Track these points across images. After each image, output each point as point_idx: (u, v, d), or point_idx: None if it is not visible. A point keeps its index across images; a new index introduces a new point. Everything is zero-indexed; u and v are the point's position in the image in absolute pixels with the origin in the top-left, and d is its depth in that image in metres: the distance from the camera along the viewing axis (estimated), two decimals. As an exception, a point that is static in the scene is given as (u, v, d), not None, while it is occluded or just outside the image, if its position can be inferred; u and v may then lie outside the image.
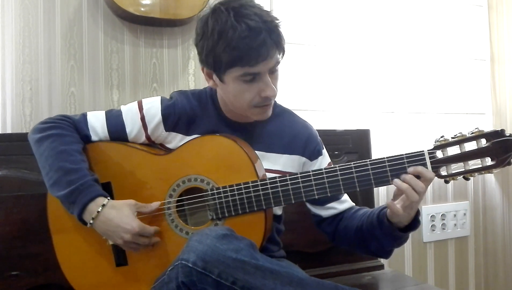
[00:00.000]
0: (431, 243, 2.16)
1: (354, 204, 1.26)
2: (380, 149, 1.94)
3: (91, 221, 1.04)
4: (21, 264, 1.30)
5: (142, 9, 1.55)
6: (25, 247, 1.31)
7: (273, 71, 1.09)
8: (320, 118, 1.95)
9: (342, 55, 2.01)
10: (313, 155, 1.24)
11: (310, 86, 1.95)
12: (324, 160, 1.26)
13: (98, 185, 1.09)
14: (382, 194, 2.02)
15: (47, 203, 1.16)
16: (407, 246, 2.10)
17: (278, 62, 1.08)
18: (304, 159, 1.23)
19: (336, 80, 1.99)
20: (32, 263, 1.31)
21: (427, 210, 2.13)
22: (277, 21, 1.06)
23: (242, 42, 1.00)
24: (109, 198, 1.07)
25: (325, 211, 1.23)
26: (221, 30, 1.02)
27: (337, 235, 1.23)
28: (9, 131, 1.51)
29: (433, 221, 2.14)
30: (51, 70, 1.56)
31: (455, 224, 2.20)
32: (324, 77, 1.97)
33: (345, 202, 1.24)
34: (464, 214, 2.23)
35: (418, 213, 1.09)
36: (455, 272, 2.21)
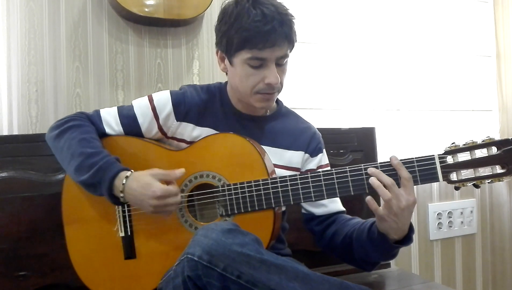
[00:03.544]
0: (438, 241, 2.15)
1: (344, 209, 1.27)
2: (385, 147, 1.94)
3: (121, 195, 1.05)
4: (29, 265, 1.31)
5: (146, 9, 1.56)
6: (32, 248, 1.32)
7: (280, 64, 1.13)
8: (325, 116, 1.94)
9: (347, 53, 2.00)
10: (315, 152, 1.27)
11: (315, 84, 1.94)
12: (323, 158, 1.29)
13: (120, 163, 1.10)
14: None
15: (62, 194, 1.18)
16: (414, 244, 2.09)
17: (286, 55, 1.13)
18: (307, 155, 1.26)
19: (341, 78, 1.99)
20: (40, 263, 1.32)
21: (433, 208, 2.13)
22: (291, 17, 1.12)
23: (253, 25, 1.07)
24: (132, 171, 1.08)
25: (317, 209, 1.25)
26: (237, 14, 1.09)
27: (325, 238, 1.23)
28: (15, 132, 1.52)
29: (439, 219, 2.14)
30: (56, 72, 1.57)
31: (462, 222, 2.19)
32: (329, 75, 1.97)
33: (336, 202, 1.26)
34: (471, 211, 2.22)
35: (412, 230, 1.07)
36: (462, 270, 2.20)
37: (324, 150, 1.30)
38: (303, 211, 1.28)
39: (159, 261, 1.11)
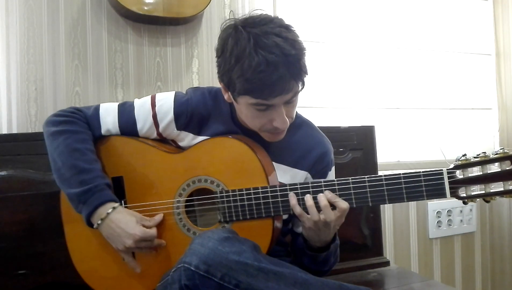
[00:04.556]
0: (437, 239, 2.15)
1: None
2: (385, 146, 1.94)
3: (98, 222, 1.06)
4: (28, 263, 1.31)
5: (145, 8, 1.55)
6: (31, 246, 1.31)
7: (290, 102, 1.04)
8: (324, 115, 1.94)
9: (346, 52, 2.00)
10: (317, 174, 1.20)
11: (315, 83, 1.94)
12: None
13: (110, 189, 1.09)
14: (388, 210, 2.04)
15: (60, 194, 1.17)
16: (413, 242, 2.09)
17: (296, 93, 1.03)
18: (309, 175, 1.20)
19: (341, 76, 1.99)
20: (39, 262, 1.32)
21: (433, 206, 2.13)
22: (300, 52, 1.00)
23: (257, 77, 0.96)
24: (119, 203, 1.08)
25: (299, 228, 1.20)
26: (238, 56, 0.97)
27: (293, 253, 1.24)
28: (14, 131, 1.52)
29: (439, 217, 2.14)
30: (55, 70, 1.57)
31: (461, 220, 2.19)
32: (329, 74, 1.97)
33: None
34: (470, 210, 2.22)
35: (335, 237, 1.11)
36: (462, 268, 2.20)
37: (330, 172, 1.22)
38: (291, 228, 1.24)
39: (157, 263, 1.10)
